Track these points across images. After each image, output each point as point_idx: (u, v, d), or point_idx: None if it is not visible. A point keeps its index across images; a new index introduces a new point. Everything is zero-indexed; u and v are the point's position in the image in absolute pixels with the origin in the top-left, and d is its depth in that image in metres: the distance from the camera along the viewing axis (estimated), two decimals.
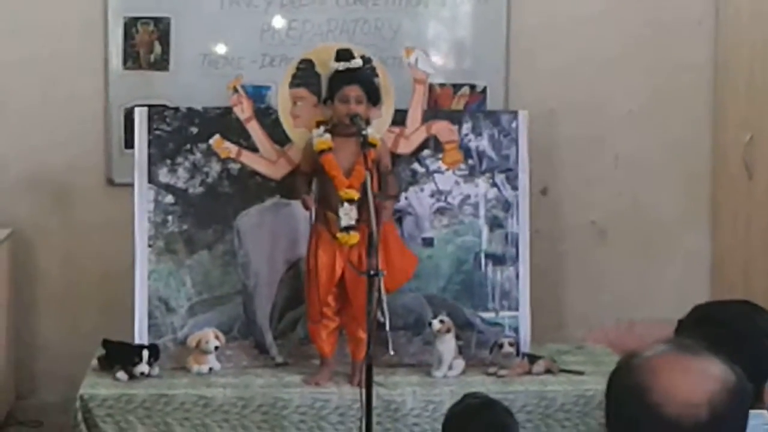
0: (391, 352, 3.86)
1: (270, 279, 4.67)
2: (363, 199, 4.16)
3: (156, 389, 4.32)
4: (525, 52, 5.24)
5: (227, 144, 4.62)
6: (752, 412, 2.14)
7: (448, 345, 4.52)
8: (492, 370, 4.56)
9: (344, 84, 4.36)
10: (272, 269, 4.67)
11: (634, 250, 5.39)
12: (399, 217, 4.70)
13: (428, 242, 4.75)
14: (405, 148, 4.72)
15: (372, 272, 3.89)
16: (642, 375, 1.78)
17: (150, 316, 4.59)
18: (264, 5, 5.15)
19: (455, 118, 4.84)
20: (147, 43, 5.14)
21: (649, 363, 1.80)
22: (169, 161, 4.66)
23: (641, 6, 5.29)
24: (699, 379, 1.78)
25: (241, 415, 4.27)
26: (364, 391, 3.92)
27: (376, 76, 4.54)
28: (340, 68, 4.41)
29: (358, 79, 4.38)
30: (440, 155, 4.76)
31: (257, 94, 5.00)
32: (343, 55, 4.43)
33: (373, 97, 4.42)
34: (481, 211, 4.78)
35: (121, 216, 4.75)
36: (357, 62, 4.42)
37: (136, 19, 5.13)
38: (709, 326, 2.39)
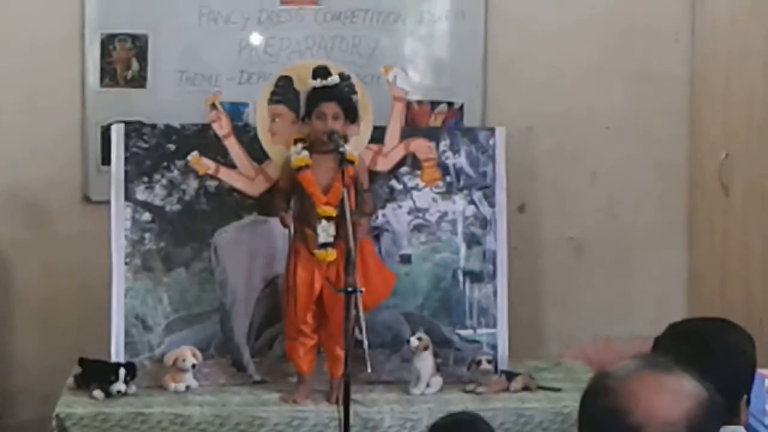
0: (369, 370, 3.87)
1: (247, 296, 4.65)
2: (340, 216, 4.16)
3: (133, 408, 4.29)
4: (502, 68, 5.25)
5: (205, 160, 4.60)
6: (729, 428, 2.15)
7: (426, 362, 4.52)
8: (470, 387, 4.56)
9: (321, 101, 4.36)
10: (250, 287, 4.65)
11: (612, 265, 5.39)
12: (377, 234, 4.70)
13: (406, 259, 4.75)
14: (383, 165, 4.72)
15: (349, 289, 3.89)
16: (620, 396, 1.78)
17: (127, 334, 4.57)
18: (242, 22, 5.15)
19: (433, 135, 4.84)
20: (124, 60, 5.13)
21: (626, 384, 1.80)
22: (146, 178, 4.64)
23: (617, 21, 5.30)
24: (675, 398, 1.78)
25: None
26: (341, 408, 3.91)
27: (354, 93, 4.54)
28: (318, 85, 4.41)
29: (336, 96, 4.39)
30: (418, 172, 4.76)
31: (235, 111, 5.00)
32: (321, 72, 4.43)
33: (351, 114, 4.42)
34: (459, 228, 4.78)
35: (98, 233, 4.73)
36: (334, 79, 4.43)
37: (114, 35, 5.11)
38: (685, 343, 2.40)
